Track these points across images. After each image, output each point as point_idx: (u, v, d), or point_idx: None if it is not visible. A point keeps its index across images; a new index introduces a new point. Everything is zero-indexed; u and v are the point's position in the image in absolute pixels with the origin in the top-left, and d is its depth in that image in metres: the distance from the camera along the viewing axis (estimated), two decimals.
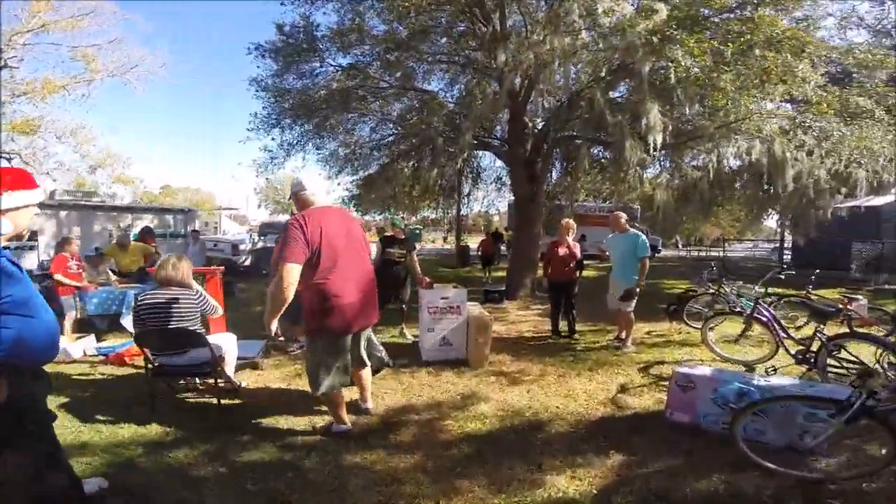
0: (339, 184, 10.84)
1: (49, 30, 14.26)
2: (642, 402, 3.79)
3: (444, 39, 8.67)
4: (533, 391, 3.98)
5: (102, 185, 19.38)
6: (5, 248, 1.62)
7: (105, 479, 2.56)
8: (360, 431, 3.20)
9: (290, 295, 2.62)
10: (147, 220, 11.49)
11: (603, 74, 8.75)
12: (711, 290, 6.97)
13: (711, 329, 5.07)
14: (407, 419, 3.40)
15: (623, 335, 5.59)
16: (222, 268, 5.35)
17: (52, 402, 3.72)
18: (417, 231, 18.82)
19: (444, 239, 13.94)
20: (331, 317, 2.77)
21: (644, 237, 5.32)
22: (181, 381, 3.97)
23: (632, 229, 5.47)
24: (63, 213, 10.40)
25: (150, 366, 3.56)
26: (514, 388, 4.05)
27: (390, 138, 9.79)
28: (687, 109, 8.23)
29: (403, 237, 5.74)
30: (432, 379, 4.28)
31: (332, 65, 8.72)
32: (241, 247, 12.94)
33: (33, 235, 9.61)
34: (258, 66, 9.08)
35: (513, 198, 14.87)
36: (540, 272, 9.83)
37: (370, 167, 10.01)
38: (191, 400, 3.80)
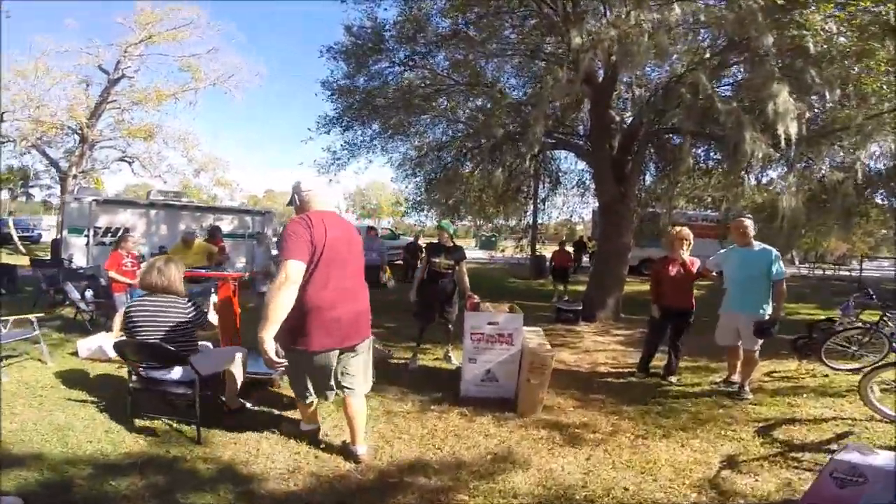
0: (406, 187, 10.36)
1: (155, 41, 15.68)
2: (760, 486, 2.58)
3: (510, 32, 7.69)
4: (595, 458, 2.88)
5: (206, 188, 21.04)
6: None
7: (25, 499, 2.24)
8: (344, 490, 2.42)
9: (291, 298, 2.28)
10: (227, 221, 11.90)
11: (707, 56, 7.29)
12: (860, 323, 5.31)
13: (873, 377, 3.60)
14: (411, 482, 2.53)
15: (736, 377, 4.29)
16: (239, 274, 5.03)
17: (48, 402, 3.53)
18: (493, 239, 17.83)
19: (516, 247, 12.74)
20: (317, 331, 2.46)
21: (777, 252, 4.02)
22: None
23: (758, 242, 4.15)
24: (153, 212, 11.07)
25: (132, 377, 3.16)
26: (568, 452, 2.97)
27: (456, 137, 9.06)
28: (827, 94, 6.52)
29: (452, 245, 4.89)
30: (464, 424, 3.33)
31: (398, 63, 8.25)
32: None
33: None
34: (331, 70, 8.88)
35: (597, 204, 13.45)
36: (626, 288, 8.62)
37: (436, 170, 9.36)
38: (175, 419, 3.27)
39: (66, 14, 33.94)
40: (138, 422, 3.14)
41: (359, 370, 2.72)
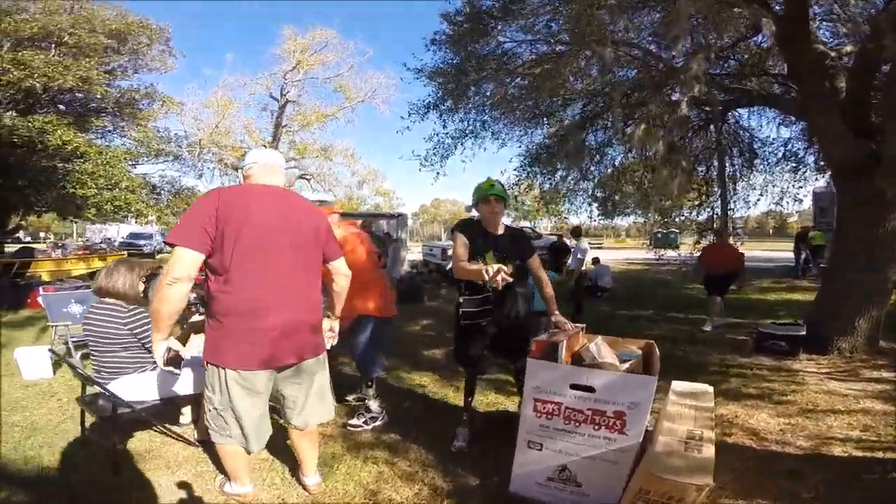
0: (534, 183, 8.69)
1: (303, 66, 17.14)
2: None
3: None
4: None
5: (368, 198, 22.39)
6: None
7: None
8: None
9: (176, 297, 1.78)
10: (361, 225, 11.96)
11: None
12: None
13: None
14: None
15: None
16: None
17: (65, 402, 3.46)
18: (671, 235, 14.33)
19: (695, 244, 9.64)
20: (237, 343, 1.87)
21: None
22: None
23: None
24: None
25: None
26: None
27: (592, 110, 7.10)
28: None
29: (509, 230, 2.81)
30: None
31: (502, 41, 6.95)
32: (450, 252, 12.38)
33: None
34: (437, 60, 7.90)
35: (821, 181, 9.57)
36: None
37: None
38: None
39: (227, 49, 41.10)
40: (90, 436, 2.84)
41: (308, 399, 2.14)
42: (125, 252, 16.45)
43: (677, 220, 10.58)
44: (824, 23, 6.27)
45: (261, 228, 1.88)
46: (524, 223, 28.83)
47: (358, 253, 3.09)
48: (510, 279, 2.14)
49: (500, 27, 6.74)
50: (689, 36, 5.00)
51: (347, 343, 3.19)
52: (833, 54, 5.69)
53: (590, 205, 8.91)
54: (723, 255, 6.60)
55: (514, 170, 8.71)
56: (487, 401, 3.59)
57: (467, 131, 7.99)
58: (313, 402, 2.16)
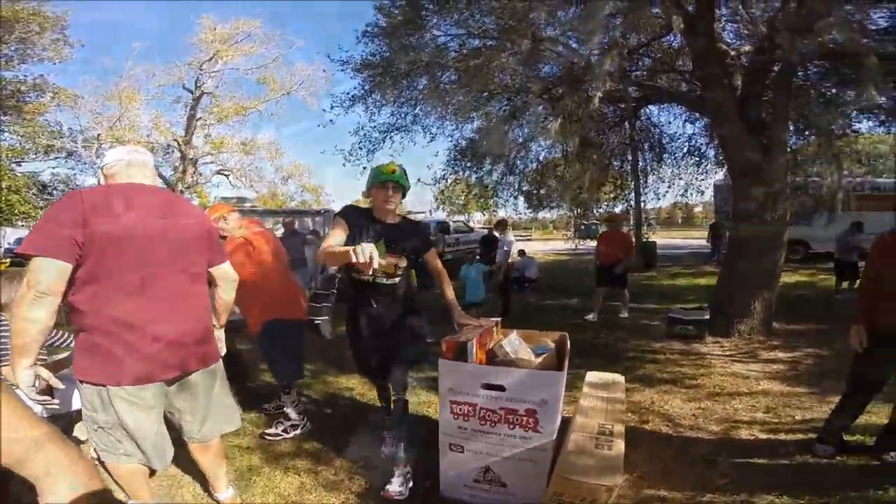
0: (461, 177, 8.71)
1: (223, 57, 16.15)
2: None
3: None
4: None
5: (295, 194, 21.46)
6: None
7: None
8: None
9: (46, 316, 1.55)
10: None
11: None
12: None
13: None
14: None
15: None
16: None
17: None
18: (593, 227, 15.09)
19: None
20: (118, 357, 1.66)
21: None
22: None
23: None
24: None
25: None
26: None
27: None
28: None
29: (402, 220, 2.46)
30: None
31: (436, 34, 6.77)
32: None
33: None
34: (370, 54, 7.61)
35: (720, 174, 10.47)
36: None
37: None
38: None
39: (134, 38, 37.53)
40: None
41: (208, 411, 1.96)
42: (8, 259, 14.53)
43: (596, 212, 11.17)
44: (728, 24, 6.78)
45: (136, 232, 1.69)
46: (458, 217, 29.16)
47: (263, 254, 2.94)
48: (385, 270, 1.93)
49: (435, 20, 6.60)
50: (606, 32, 5.16)
51: (262, 349, 3.01)
52: (733, 53, 6.18)
53: (516, 198, 9.09)
54: (614, 244, 6.65)
55: (442, 164, 8.67)
56: (419, 400, 3.51)
57: (397, 125, 7.80)
58: (213, 413, 2.00)
